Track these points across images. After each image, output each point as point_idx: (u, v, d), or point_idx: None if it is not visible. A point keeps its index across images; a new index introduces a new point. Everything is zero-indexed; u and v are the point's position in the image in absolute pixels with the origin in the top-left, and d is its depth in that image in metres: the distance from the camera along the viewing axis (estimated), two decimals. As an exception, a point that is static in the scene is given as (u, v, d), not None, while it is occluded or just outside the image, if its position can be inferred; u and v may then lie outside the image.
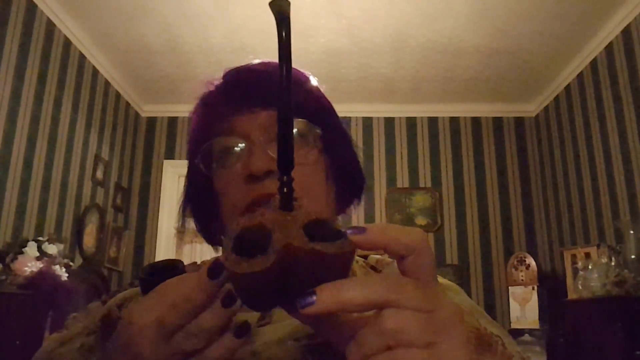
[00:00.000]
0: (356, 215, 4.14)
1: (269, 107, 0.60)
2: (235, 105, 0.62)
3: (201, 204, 0.66)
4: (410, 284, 0.34)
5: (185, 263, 0.53)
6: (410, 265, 0.35)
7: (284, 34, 0.36)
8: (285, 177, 0.37)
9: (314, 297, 0.32)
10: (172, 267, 0.44)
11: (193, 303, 0.38)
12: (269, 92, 0.61)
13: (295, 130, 0.60)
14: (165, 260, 0.46)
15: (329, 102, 0.68)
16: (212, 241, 0.69)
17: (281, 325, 0.55)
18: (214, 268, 0.38)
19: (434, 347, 0.32)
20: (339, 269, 0.34)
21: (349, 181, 0.68)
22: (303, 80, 0.67)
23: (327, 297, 0.32)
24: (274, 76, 0.63)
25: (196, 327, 0.38)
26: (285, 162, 0.37)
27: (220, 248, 0.68)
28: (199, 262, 0.66)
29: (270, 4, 0.38)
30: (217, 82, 0.67)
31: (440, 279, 0.55)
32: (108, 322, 0.56)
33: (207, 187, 0.64)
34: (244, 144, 0.60)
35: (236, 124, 0.61)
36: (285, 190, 0.36)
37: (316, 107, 0.65)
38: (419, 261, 0.35)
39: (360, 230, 0.35)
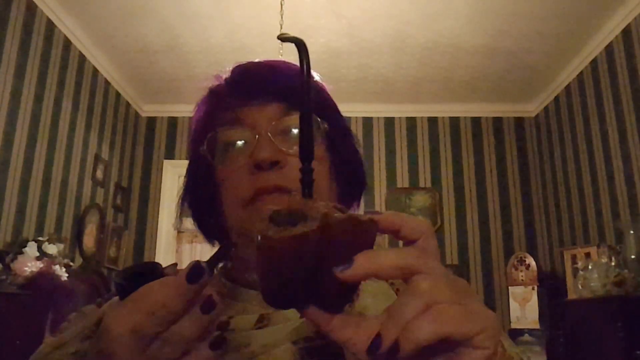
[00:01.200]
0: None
1: (275, 100, 0.59)
2: (243, 97, 0.61)
3: (201, 197, 0.65)
4: (432, 256, 0.36)
5: (177, 265, 0.52)
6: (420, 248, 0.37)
7: (304, 60, 0.39)
8: (306, 165, 0.39)
9: (352, 264, 0.34)
10: (150, 271, 0.42)
11: (170, 310, 0.36)
12: (276, 86, 0.60)
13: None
14: (143, 263, 0.44)
15: (333, 101, 0.68)
16: (210, 237, 0.68)
17: (279, 328, 0.54)
18: (193, 271, 0.37)
19: (466, 306, 0.34)
20: (370, 240, 0.36)
21: (350, 183, 0.67)
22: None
23: (365, 262, 0.34)
24: (281, 71, 0.63)
25: (174, 335, 0.37)
26: (307, 152, 0.39)
27: (217, 243, 0.68)
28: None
29: (279, 37, 0.43)
30: (224, 76, 0.66)
31: None
32: None
33: (208, 179, 0.63)
34: (250, 134, 0.59)
35: (243, 115, 0.60)
36: (306, 178, 0.39)
37: (322, 104, 0.65)
38: (427, 244, 0.37)
39: (376, 213, 0.37)
